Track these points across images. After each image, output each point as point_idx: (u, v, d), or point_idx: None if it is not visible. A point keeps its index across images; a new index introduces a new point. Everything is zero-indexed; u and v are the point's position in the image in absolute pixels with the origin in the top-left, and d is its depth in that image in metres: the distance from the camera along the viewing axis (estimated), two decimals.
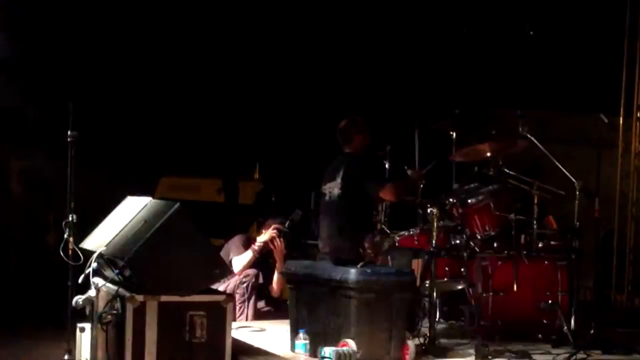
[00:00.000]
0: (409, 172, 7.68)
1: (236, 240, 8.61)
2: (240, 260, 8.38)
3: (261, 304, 8.47)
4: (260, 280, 8.41)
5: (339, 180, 7.22)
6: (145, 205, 6.70)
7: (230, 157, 12.80)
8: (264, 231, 8.69)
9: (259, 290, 8.42)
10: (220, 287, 7.40)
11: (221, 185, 12.40)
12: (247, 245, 8.56)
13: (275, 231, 8.52)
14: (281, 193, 11.52)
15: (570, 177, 7.62)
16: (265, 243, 8.50)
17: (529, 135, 7.77)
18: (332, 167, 7.41)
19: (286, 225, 8.59)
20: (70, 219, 7.31)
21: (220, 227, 9.97)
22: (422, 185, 7.74)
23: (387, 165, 7.92)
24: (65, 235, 7.31)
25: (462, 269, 7.64)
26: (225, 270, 6.56)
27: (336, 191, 7.22)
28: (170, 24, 12.52)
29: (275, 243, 8.50)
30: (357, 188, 7.19)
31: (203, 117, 12.99)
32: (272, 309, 8.56)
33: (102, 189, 9.29)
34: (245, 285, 8.25)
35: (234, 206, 12.11)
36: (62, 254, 7.20)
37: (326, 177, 7.43)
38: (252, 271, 8.34)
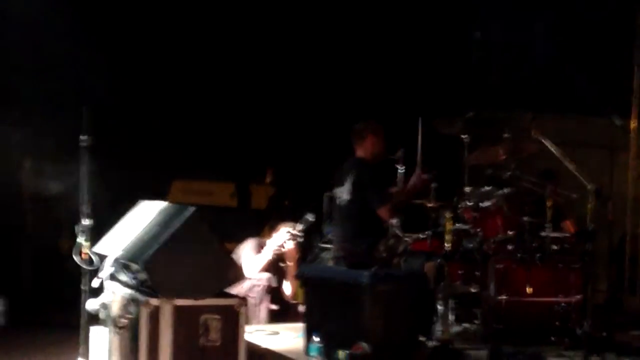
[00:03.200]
0: (413, 177, 7.66)
1: (249, 244, 8.64)
2: (253, 264, 8.41)
3: (274, 308, 8.49)
4: (273, 284, 8.42)
5: (347, 185, 7.26)
6: (159, 209, 6.73)
7: (243, 161, 12.83)
8: (274, 234, 8.71)
9: (272, 293, 8.43)
10: (234, 291, 7.40)
11: (234, 189, 12.43)
12: (259, 249, 8.59)
13: (287, 235, 8.54)
14: (294, 197, 11.54)
15: (583, 180, 7.60)
16: (278, 247, 8.52)
17: (541, 139, 7.76)
18: (342, 172, 7.44)
19: (298, 228, 8.61)
20: (84, 223, 7.36)
21: (233, 231, 9.99)
22: (433, 187, 7.73)
23: (400, 169, 7.91)
24: (80, 240, 7.36)
25: (476, 273, 7.63)
26: (239, 274, 6.58)
27: (345, 196, 7.27)
28: (185, 29, 12.56)
29: (287, 246, 8.52)
30: (363, 194, 7.22)
31: (216, 121, 13.02)
32: (280, 309, 8.57)
33: (115, 193, 9.31)
34: (258, 288, 8.27)
35: (247, 210, 12.14)
36: (75, 258, 7.25)
37: (336, 181, 7.45)
38: (265, 275, 8.37)
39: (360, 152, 7.52)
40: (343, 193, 7.30)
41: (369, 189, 7.27)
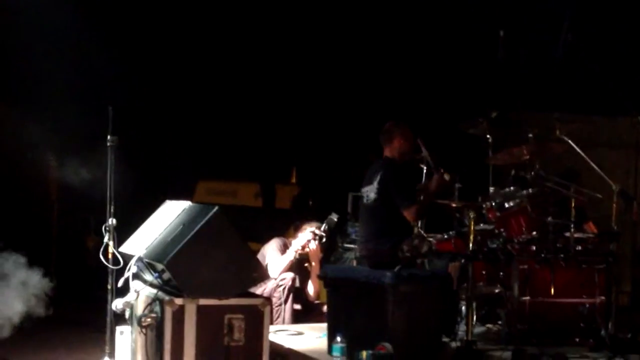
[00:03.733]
0: (435, 177, 7.63)
1: (273, 244, 8.66)
2: (277, 264, 8.43)
3: (298, 307, 8.50)
4: (297, 283, 8.44)
5: (375, 184, 7.27)
6: (184, 209, 6.76)
7: (268, 161, 12.86)
8: (298, 234, 8.73)
9: (296, 293, 8.45)
10: (257, 290, 7.43)
11: (259, 189, 12.46)
12: (283, 249, 8.60)
13: (310, 235, 8.56)
14: (318, 196, 11.56)
15: (608, 180, 7.58)
16: (302, 247, 8.54)
17: (566, 139, 7.75)
18: (371, 171, 7.44)
19: (322, 229, 8.62)
20: (110, 222, 7.42)
21: (257, 231, 10.02)
22: (457, 187, 7.73)
23: (425, 169, 7.90)
24: (105, 239, 7.42)
25: (500, 273, 7.62)
26: (263, 274, 6.60)
27: (372, 195, 7.28)
28: (211, 31, 12.61)
29: (311, 246, 8.54)
30: (390, 195, 7.22)
31: (241, 122, 13.06)
32: (303, 309, 8.58)
33: (141, 193, 9.38)
34: (282, 288, 8.28)
35: (271, 210, 12.16)
36: (102, 257, 7.30)
37: (365, 180, 7.46)
38: (289, 275, 8.38)
39: (388, 152, 7.51)
40: (370, 192, 7.30)
41: (395, 189, 7.27)
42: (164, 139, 12.44)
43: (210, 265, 6.13)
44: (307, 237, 8.56)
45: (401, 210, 7.26)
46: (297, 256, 8.56)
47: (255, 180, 12.59)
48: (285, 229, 9.76)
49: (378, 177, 7.28)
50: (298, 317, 8.38)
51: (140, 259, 6.71)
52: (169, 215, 6.90)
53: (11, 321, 6.93)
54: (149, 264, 6.54)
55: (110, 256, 7.41)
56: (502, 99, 9.24)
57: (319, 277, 8.00)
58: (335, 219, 8.71)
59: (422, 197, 7.40)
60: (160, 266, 6.21)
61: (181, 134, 12.63)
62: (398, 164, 7.48)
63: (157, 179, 11.79)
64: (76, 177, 7.64)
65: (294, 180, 12.67)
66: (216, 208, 6.22)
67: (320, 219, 8.83)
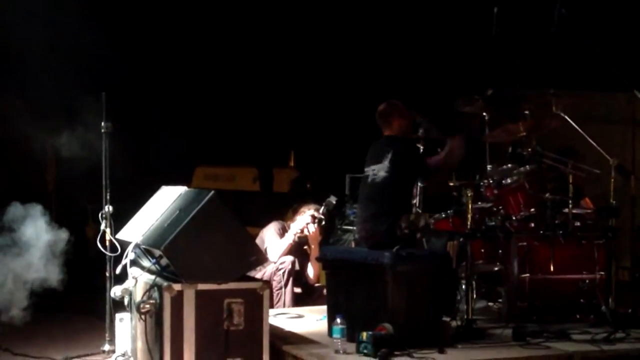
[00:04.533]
0: (452, 143, 7.54)
1: (271, 228, 8.65)
2: (276, 247, 8.42)
3: (298, 291, 8.49)
4: (297, 267, 8.43)
5: (386, 162, 7.09)
6: (180, 194, 6.75)
7: (265, 145, 12.83)
8: (297, 217, 8.72)
9: (296, 276, 8.44)
10: (257, 274, 7.43)
11: (256, 173, 12.44)
12: (282, 232, 8.59)
13: (309, 217, 8.54)
14: (316, 180, 11.54)
15: (605, 155, 7.56)
16: (301, 230, 8.53)
17: (562, 114, 7.73)
18: (377, 149, 7.28)
19: (321, 211, 8.60)
20: (106, 210, 7.41)
21: (256, 216, 10.00)
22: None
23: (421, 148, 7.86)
24: (102, 227, 7.41)
25: (499, 251, 7.62)
26: (262, 258, 6.57)
27: (382, 173, 7.10)
28: (206, 15, 12.57)
29: (310, 229, 8.53)
30: (405, 171, 7.11)
31: (238, 107, 13.03)
32: (303, 292, 8.57)
33: (138, 180, 9.35)
34: (281, 272, 8.27)
35: (270, 194, 12.15)
36: (99, 245, 7.30)
37: (370, 159, 7.30)
38: (288, 258, 8.36)
39: (388, 132, 7.40)
40: (380, 170, 7.14)
41: (418, 162, 7.18)
42: (160, 125, 12.40)
43: (208, 249, 6.12)
44: (305, 220, 8.54)
45: (425, 180, 7.20)
46: (296, 239, 8.55)
47: (252, 164, 12.56)
48: (283, 212, 9.74)
49: (390, 155, 7.13)
50: (298, 300, 8.38)
51: (137, 246, 6.71)
52: (165, 200, 6.88)
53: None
54: (146, 250, 6.53)
55: (107, 244, 7.41)
56: (498, 76, 9.21)
57: (317, 259, 7.99)
58: (334, 201, 8.69)
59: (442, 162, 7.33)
60: (157, 252, 6.20)
61: (178, 119, 12.59)
62: (404, 138, 7.37)
63: (154, 165, 11.75)
64: (72, 165, 7.62)
65: (291, 163, 12.64)
66: (212, 192, 6.20)
67: (318, 201, 8.82)
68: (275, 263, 8.31)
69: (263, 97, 12.94)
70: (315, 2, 12.40)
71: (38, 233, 7.08)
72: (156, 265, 6.36)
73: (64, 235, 7.15)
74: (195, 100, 12.92)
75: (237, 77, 12.94)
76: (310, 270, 8.72)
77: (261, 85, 12.89)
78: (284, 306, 8.20)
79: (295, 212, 8.90)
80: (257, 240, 8.12)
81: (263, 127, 12.91)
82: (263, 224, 8.87)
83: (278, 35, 12.65)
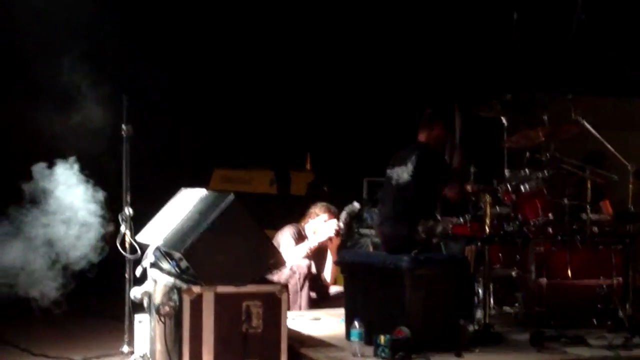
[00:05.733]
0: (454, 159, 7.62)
1: (286, 232, 8.65)
2: (294, 251, 8.43)
3: (313, 295, 8.50)
4: (313, 270, 8.45)
5: (410, 166, 7.14)
6: (200, 197, 6.78)
7: (282, 148, 12.85)
8: (309, 219, 8.72)
9: (312, 280, 8.45)
10: (273, 277, 7.45)
11: (273, 176, 12.46)
12: (298, 236, 8.59)
13: (334, 230, 8.53)
14: (333, 183, 11.56)
15: (623, 160, 7.56)
16: (325, 239, 8.53)
17: (581, 120, 7.72)
18: (404, 153, 7.32)
19: (343, 218, 8.59)
20: (126, 212, 7.44)
21: (272, 218, 10.02)
22: (472, 170, 7.70)
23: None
24: (122, 229, 7.44)
25: (516, 256, 7.62)
26: (279, 261, 6.60)
27: (405, 176, 7.14)
28: (222, 18, 12.60)
29: (334, 238, 8.56)
30: (428, 176, 7.15)
31: (254, 109, 13.06)
32: (320, 296, 8.58)
33: (157, 182, 9.38)
34: (298, 275, 8.29)
35: (286, 197, 12.17)
36: (119, 247, 7.33)
37: (395, 161, 7.35)
38: (304, 262, 8.38)
39: (423, 138, 7.43)
40: (403, 173, 7.19)
41: (440, 169, 7.22)
42: (179, 128, 12.44)
43: (227, 252, 6.15)
44: (329, 234, 8.53)
45: (447, 187, 7.23)
46: (317, 247, 8.55)
47: (269, 167, 12.59)
48: (300, 215, 9.77)
49: (414, 159, 7.17)
50: (315, 304, 8.40)
51: (157, 248, 6.74)
52: (185, 203, 6.91)
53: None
54: (166, 252, 6.56)
55: (127, 245, 7.45)
56: (516, 81, 9.20)
57: (336, 263, 7.99)
58: (357, 209, 8.66)
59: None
60: (177, 255, 6.22)
61: (195, 122, 12.63)
62: (433, 148, 7.41)
63: (172, 168, 11.79)
64: (92, 168, 7.66)
65: (308, 166, 12.66)
66: (232, 195, 6.23)
67: (336, 205, 8.82)
68: (292, 266, 8.32)
69: (280, 99, 12.97)
70: (334, 5, 12.42)
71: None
72: (176, 268, 6.38)
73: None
74: (212, 103, 12.95)
75: (255, 79, 12.97)
76: (327, 273, 8.74)
77: (278, 88, 12.92)
78: (300, 309, 8.22)
79: (308, 214, 8.88)
80: (274, 243, 8.13)
81: (280, 129, 12.94)
82: (279, 227, 8.88)
83: (297, 37, 12.68)
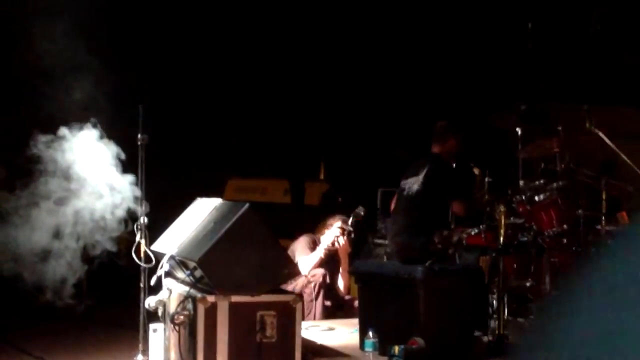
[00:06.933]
0: (475, 170, 7.64)
1: (302, 242, 8.66)
2: (307, 261, 8.43)
3: (328, 304, 8.50)
4: (328, 280, 8.45)
5: (421, 177, 7.17)
6: (215, 206, 6.79)
7: (297, 158, 12.87)
8: (325, 230, 8.73)
9: (327, 289, 8.45)
10: (288, 287, 7.45)
11: (288, 186, 12.48)
12: (312, 246, 8.60)
13: (338, 230, 8.55)
14: (347, 193, 11.56)
15: (638, 171, 7.53)
16: (331, 243, 8.54)
17: (596, 130, 7.70)
18: (417, 164, 7.35)
19: (349, 223, 8.61)
20: (141, 221, 7.45)
21: (287, 228, 10.03)
22: (487, 180, 7.69)
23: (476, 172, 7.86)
24: (137, 238, 7.45)
25: (531, 267, 7.60)
26: (294, 271, 6.61)
27: (415, 187, 7.17)
28: (235, 30, 12.64)
29: (340, 242, 8.54)
30: (437, 188, 7.17)
31: (269, 119, 13.08)
32: (334, 305, 8.57)
33: (171, 191, 9.41)
34: (312, 285, 8.29)
35: (301, 207, 12.18)
36: (134, 255, 7.34)
37: (409, 172, 7.38)
38: (319, 271, 8.38)
39: (437, 149, 7.44)
40: (414, 184, 7.22)
41: (449, 181, 7.23)
42: (194, 138, 12.48)
43: (242, 262, 6.15)
44: (334, 233, 8.56)
45: (453, 201, 7.23)
46: (327, 252, 8.56)
47: (284, 177, 12.61)
48: (314, 225, 9.77)
49: (425, 170, 7.19)
50: (329, 313, 8.39)
51: (172, 257, 6.75)
52: (200, 212, 6.93)
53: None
54: (181, 261, 6.57)
55: (142, 254, 7.46)
56: (531, 91, 9.21)
57: (350, 272, 7.99)
58: (362, 212, 8.68)
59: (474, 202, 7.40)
60: (192, 264, 6.23)
61: (211, 132, 12.67)
62: (447, 160, 7.43)
63: (187, 178, 11.82)
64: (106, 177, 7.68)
65: (322, 176, 12.68)
66: (247, 205, 6.24)
67: (348, 214, 8.83)
68: (306, 276, 8.32)
69: (295, 108, 12.99)
70: (348, 15, 12.45)
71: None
72: (190, 277, 6.39)
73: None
74: (228, 113, 12.99)
75: (269, 89, 13.01)
76: (341, 283, 8.74)
77: (293, 98, 12.95)
78: (314, 319, 8.22)
79: (324, 226, 8.90)
80: (288, 253, 8.14)
81: (294, 139, 12.96)
82: (294, 237, 8.89)
83: (311, 47, 12.71)
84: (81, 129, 7.11)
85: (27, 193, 6.96)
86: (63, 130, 7.09)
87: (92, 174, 7.10)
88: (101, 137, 7.14)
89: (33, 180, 6.95)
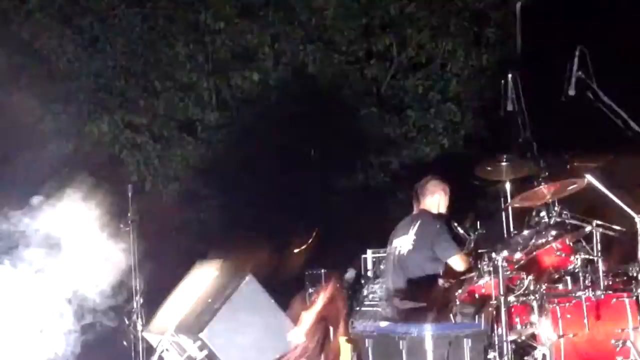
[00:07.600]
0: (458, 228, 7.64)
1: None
2: (301, 326, 8.35)
3: None
4: (331, 336, 8.35)
5: (411, 235, 7.21)
6: (213, 276, 6.75)
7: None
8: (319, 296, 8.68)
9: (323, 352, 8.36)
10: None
11: None
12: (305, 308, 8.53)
13: (334, 287, 8.51)
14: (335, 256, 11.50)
15: (630, 211, 7.58)
16: (325, 303, 8.47)
17: (587, 177, 7.74)
18: (405, 223, 7.40)
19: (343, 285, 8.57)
20: (135, 305, 7.35)
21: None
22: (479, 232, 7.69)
23: (472, 237, 7.85)
24: (133, 319, 7.37)
25: (532, 314, 7.59)
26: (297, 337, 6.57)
27: (407, 246, 7.21)
28: None
29: (338, 300, 8.52)
30: (429, 246, 7.19)
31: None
32: None
33: (165, 267, 9.36)
34: (308, 351, 8.22)
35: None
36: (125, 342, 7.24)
37: (397, 233, 7.41)
38: (313, 336, 8.29)
39: (424, 206, 7.47)
40: (405, 243, 7.25)
41: (442, 238, 7.24)
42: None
43: (246, 332, 6.12)
44: (330, 291, 8.50)
45: (448, 259, 7.23)
46: (319, 316, 8.49)
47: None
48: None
49: (415, 228, 7.23)
50: None
51: (172, 334, 6.69)
52: (198, 282, 6.88)
53: None
54: (181, 338, 6.51)
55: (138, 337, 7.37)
56: (517, 141, 9.25)
57: (347, 332, 7.93)
58: (353, 275, 8.66)
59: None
60: (196, 339, 6.18)
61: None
62: (436, 215, 7.47)
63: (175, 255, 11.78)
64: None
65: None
66: (248, 275, 6.23)
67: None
68: (301, 341, 8.24)
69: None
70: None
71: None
72: (193, 353, 6.33)
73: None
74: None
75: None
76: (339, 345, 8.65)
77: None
78: None
79: (309, 296, 8.85)
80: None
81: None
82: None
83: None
84: None
85: None
86: None
87: None
88: None
89: None
